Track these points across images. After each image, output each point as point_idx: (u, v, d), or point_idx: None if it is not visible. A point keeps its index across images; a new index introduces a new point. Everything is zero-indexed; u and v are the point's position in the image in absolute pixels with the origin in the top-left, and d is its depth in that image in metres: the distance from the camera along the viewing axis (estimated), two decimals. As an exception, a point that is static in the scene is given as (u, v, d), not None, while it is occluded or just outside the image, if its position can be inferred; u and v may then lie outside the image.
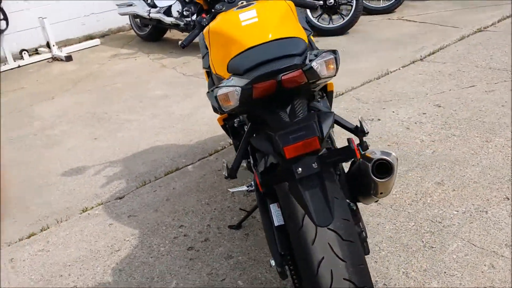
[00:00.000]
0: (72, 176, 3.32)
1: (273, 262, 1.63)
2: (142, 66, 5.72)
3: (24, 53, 6.44)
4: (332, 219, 1.38)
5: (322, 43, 5.57)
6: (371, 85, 4.16)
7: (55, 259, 2.46)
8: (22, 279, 2.34)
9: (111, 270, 2.32)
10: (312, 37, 2.68)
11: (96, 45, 6.94)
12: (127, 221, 2.71)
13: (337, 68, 1.55)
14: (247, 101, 1.52)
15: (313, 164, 1.38)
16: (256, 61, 1.55)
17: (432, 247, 2.20)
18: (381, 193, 1.60)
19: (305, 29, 2.49)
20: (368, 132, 1.82)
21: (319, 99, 2.32)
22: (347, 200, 1.69)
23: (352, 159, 1.59)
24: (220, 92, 1.54)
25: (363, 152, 1.71)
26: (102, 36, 7.40)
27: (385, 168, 1.54)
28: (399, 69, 4.46)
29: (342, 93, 4.06)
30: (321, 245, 1.44)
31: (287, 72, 1.44)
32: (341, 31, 5.84)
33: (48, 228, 2.75)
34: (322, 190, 1.40)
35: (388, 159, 1.54)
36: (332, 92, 2.51)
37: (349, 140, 1.47)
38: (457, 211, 2.42)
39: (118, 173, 3.28)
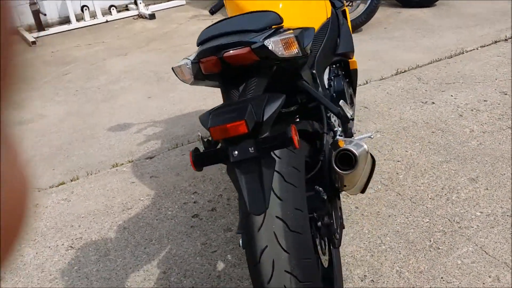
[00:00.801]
0: (116, 131, 3.45)
1: (241, 242, 1.58)
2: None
3: (113, 9, 6.72)
4: (266, 208, 1.29)
5: (404, 14, 5.21)
6: (438, 64, 3.83)
7: (72, 210, 2.59)
8: (38, 225, 2.49)
9: (117, 227, 2.40)
10: (347, 9, 2.50)
11: (181, 5, 7.07)
12: (148, 181, 2.77)
13: (301, 48, 1.42)
14: (200, 76, 1.44)
15: (250, 149, 1.28)
16: (212, 33, 1.46)
17: (439, 248, 2.01)
18: (345, 186, 1.48)
19: (332, 1, 2.33)
20: (352, 118, 1.67)
21: (333, 77, 2.17)
22: (320, 189, 1.58)
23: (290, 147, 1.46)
24: (176, 65, 1.48)
25: (336, 139, 1.59)
26: (190, -5, 7.51)
27: (348, 159, 1.41)
28: (477, 48, 4.05)
29: (404, 71, 3.79)
30: (266, 233, 1.36)
31: (231, 49, 1.33)
32: (427, 2, 5.39)
33: (78, 179, 2.90)
34: (259, 177, 1.31)
35: (353, 150, 1.40)
36: (355, 70, 2.34)
37: (289, 127, 1.35)
38: (481, 212, 2.18)
39: (157, 133, 3.35)
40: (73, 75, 4.78)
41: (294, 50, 1.38)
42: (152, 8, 6.83)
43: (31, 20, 6.32)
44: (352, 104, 2.34)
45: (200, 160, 1.32)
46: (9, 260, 0.31)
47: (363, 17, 4.85)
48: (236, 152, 1.27)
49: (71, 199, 2.69)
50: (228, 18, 1.56)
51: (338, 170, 1.42)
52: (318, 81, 1.96)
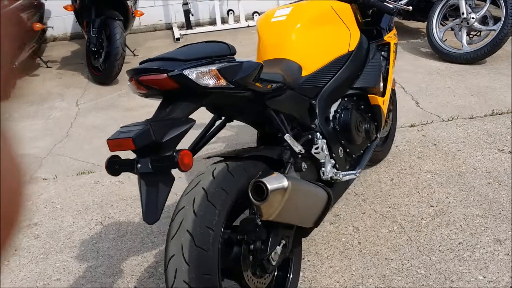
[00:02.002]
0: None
1: None
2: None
3: (256, 15, 7.14)
4: (156, 220, 1.41)
5: (445, 72, 4.70)
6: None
7: (120, 192, 2.96)
8: (87, 199, 2.91)
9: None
10: (392, 42, 2.46)
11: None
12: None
13: (230, 81, 1.49)
14: (144, 93, 1.57)
15: (149, 164, 1.41)
16: (154, 57, 1.58)
17: (414, 303, 1.92)
18: (260, 216, 1.54)
19: (367, 30, 2.31)
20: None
21: (340, 110, 2.16)
22: (255, 216, 1.63)
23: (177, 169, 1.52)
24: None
25: (272, 171, 1.62)
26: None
27: (260, 191, 1.48)
28: None
29: (501, 113, 3.49)
30: (176, 243, 1.49)
31: (148, 74, 1.45)
32: (472, 58, 4.56)
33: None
34: (156, 191, 1.43)
35: (266, 183, 1.46)
36: (377, 106, 2.30)
37: (178, 151, 1.43)
38: (484, 277, 2.01)
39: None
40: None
41: (221, 82, 1.47)
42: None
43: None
44: (368, 138, 2.31)
45: (111, 166, 1.48)
46: (7, 251, 0.32)
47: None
48: (140, 165, 1.42)
49: (125, 182, 3.06)
50: (184, 45, 1.68)
51: (252, 199, 1.49)
52: (318, 111, 2.01)
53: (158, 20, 7.30)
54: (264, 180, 1.47)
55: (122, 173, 1.48)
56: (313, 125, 2.02)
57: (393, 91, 3.06)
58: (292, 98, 1.91)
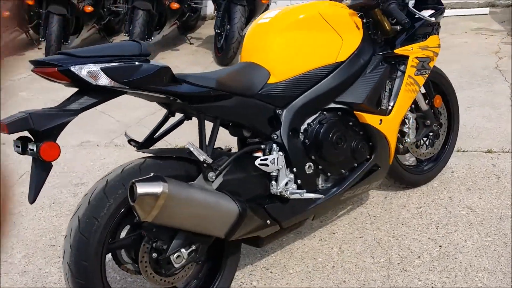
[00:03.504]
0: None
1: None
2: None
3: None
4: (32, 202, 1.49)
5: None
6: None
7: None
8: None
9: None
10: (409, 58, 2.18)
11: (482, 14, 6.48)
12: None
13: (117, 81, 1.49)
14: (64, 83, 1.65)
15: (26, 150, 1.50)
16: (67, 51, 1.62)
17: None
18: (138, 216, 1.56)
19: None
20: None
21: (314, 123, 2.00)
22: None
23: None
24: None
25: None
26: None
27: (132, 192, 1.51)
28: None
29: None
30: (70, 226, 1.62)
31: (40, 67, 1.51)
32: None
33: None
34: (34, 175, 1.50)
35: (137, 186, 1.48)
36: (367, 125, 2.09)
37: (43, 141, 1.47)
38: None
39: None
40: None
41: (104, 80, 1.50)
42: (450, 12, 6.49)
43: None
44: (355, 158, 2.11)
45: (15, 145, 1.58)
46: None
47: None
48: (17, 148, 1.51)
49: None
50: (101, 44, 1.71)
51: (129, 199, 1.53)
52: (283, 121, 1.94)
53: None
54: (137, 182, 1.50)
55: None
56: (274, 136, 1.93)
57: (448, 113, 2.70)
58: (244, 105, 1.85)
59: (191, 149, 1.65)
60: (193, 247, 1.73)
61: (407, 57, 2.19)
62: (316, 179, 2.05)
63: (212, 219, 1.68)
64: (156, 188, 1.50)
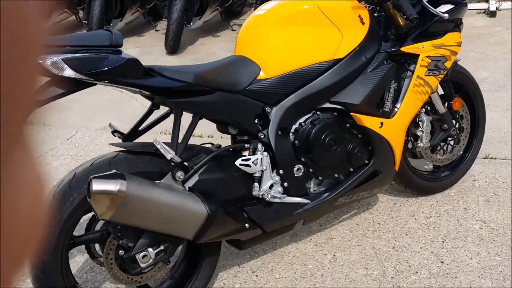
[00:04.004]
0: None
1: None
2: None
3: None
4: None
5: None
6: None
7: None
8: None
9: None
10: (420, 57, 2.01)
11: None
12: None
13: (80, 72, 1.44)
14: None
15: None
16: None
17: None
18: (96, 214, 1.51)
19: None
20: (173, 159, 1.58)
21: (305, 123, 1.88)
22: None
23: None
24: None
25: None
26: None
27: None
28: None
29: None
30: None
31: None
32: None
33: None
34: None
35: (93, 182, 1.43)
36: (365, 128, 1.94)
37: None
38: None
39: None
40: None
41: (68, 72, 1.45)
42: (505, 5, 6.06)
43: None
44: (351, 163, 1.97)
45: None
46: (17, 276, 0.28)
47: None
48: None
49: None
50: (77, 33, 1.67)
51: (87, 195, 1.49)
52: (271, 119, 1.84)
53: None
54: (94, 179, 1.45)
55: None
56: (261, 135, 1.83)
57: (473, 116, 2.49)
58: (227, 101, 1.75)
59: (158, 146, 1.58)
60: (162, 247, 1.67)
61: (417, 55, 2.01)
62: (306, 183, 1.93)
63: (177, 221, 1.61)
64: (112, 186, 1.45)
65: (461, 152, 2.48)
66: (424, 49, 2.01)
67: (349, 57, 1.90)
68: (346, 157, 1.94)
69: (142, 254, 1.64)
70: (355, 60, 1.91)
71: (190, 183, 1.66)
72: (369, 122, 1.93)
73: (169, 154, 1.57)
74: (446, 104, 2.32)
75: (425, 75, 2.03)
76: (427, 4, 1.99)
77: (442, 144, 2.40)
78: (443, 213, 2.35)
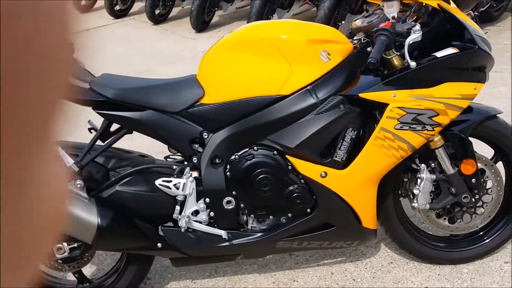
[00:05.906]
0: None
1: None
2: None
3: None
4: None
5: None
6: None
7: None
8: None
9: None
10: (412, 100, 1.74)
11: None
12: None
13: None
14: None
15: None
16: None
17: None
18: None
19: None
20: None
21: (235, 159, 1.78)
22: None
23: None
24: None
25: None
26: None
27: None
28: None
29: None
30: None
31: None
32: None
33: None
34: None
35: None
36: (304, 177, 1.77)
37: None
38: None
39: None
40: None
41: None
42: None
43: None
44: (290, 207, 1.81)
45: None
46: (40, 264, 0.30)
47: None
48: None
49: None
50: None
51: None
52: (206, 146, 1.84)
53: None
54: None
55: None
56: (194, 159, 1.80)
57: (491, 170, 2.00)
58: (159, 121, 1.77)
59: (60, 153, 1.70)
60: (75, 245, 1.80)
61: (386, 105, 1.70)
62: (238, 217, 1.85)
63: (71, 225, 1.72)
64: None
65: (483, 224, 2.04)
66: (396, 99, 1.69)
67: (296, 95, 1.72)
68: (284, 201, 1.79)
69: (57, 246, 1.80)
70: (302, 99, 1.72)
71: (101, 192, 1.76)
72: (307, 169, 1.73)
73: (69, 163, 1.69)
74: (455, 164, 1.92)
75: (396, 129, 1.71)
76: (407, 46, 1.66)
77: (456, 209, 2.01)
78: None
